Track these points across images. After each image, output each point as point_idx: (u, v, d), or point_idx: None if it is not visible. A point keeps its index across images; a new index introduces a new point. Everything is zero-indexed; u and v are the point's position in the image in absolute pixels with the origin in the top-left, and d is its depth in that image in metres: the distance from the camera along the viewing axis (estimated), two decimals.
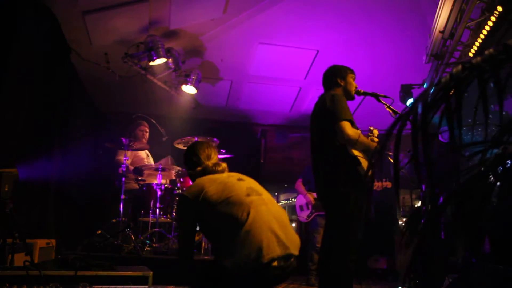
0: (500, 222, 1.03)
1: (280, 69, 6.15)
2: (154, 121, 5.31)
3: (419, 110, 0.94)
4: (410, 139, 0.98)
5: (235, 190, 2.25)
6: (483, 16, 3.56)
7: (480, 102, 0.94)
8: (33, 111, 4.03)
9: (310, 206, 5.28)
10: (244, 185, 2.33)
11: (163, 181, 4.81)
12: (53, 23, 4.42)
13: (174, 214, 4.71)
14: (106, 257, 3.48)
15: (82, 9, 4.47)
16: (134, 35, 4.96)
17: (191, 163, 2.55)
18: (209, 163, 2.49)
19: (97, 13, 4.54)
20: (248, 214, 2.13)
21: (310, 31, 5.29)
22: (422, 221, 1.01)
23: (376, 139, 3.06)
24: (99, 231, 4.48)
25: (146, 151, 5.47)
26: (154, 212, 4.60)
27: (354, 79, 3.18)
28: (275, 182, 9.11)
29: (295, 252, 2.19)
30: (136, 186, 4.91)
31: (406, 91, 5.17)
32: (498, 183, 0.94)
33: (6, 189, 2.85)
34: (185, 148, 5.06)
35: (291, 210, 13.82)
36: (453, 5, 3.62)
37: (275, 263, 2.07)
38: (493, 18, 3.37)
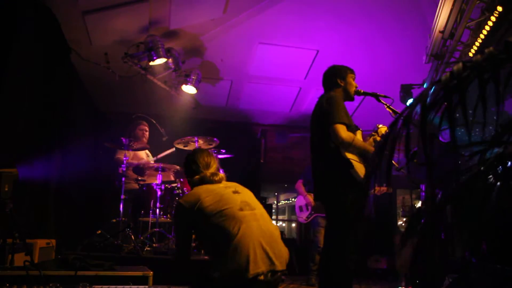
0: (500, 222, 1.03)
1: (280, 69, 6.15)
2: (154, 121, 5.31)
3: (418, 110, 0.94)
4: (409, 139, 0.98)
5: (230, 203, 2.32)
6: (483, 16, 3.56)
7: (480, 102, 0.94)
8: (33, 111, 4.03)
9: (309, 207, 5.28)
10: (239, 198, 2.39)
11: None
12: (53, 23, 4.42)
13: (173, 212, 4.71)
14: (106, 257, 3.47)
15: (82, 9, 4.47)
16: (134, 35, 4.96)
17: (190, 170, 2.62)
18: (208, 172, 2.55)
19: (97, 13, 4.54)
20: (239, 229, 2.21)
21: (310, 31, 5.29)
22: (422, 221, 1.01)
23: (378, 139, 3.06)
24: (99, 231, 4.48)
25: (146, 151, 5.47)
26: (154, 212, 4.60)
27: (354, 79, 3.18)
28: (275, 182, 9.13)
29: (282, 267, 2.26)
30: (136, 186, 4.91)
31: (406, 91, 5.17)
32: (498, 183, 0.94)
33: (6, 189, 2.86)
34: (185, 148, 5.09)
35: (291, 210, 13.84)
36: (453, 5, 3.62)
37: (261, 277, 2.15)
38: (493, 18, 3.37)
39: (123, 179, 4.72)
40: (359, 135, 3.09)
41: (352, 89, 3.14)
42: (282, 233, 7.67)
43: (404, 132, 1.01)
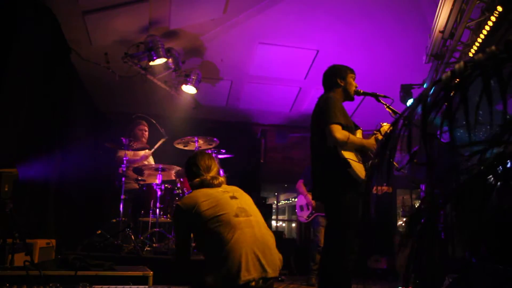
0: (500, 222, 1.03)
1: (280, 69, 6.15)
2: (154, 121, 5.31)
3: (419, 110, 0.94)
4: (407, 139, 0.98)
5: (226, 209, 2.36)
6: (483, 16, 3.56)
7: (480, 102, 0.94)
8: (33, 111, 4.03)
9: (310, 207, 5.28)
10: (235, 204, 2.42)
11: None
12: (53, 23, 4.42)
13: (173, 214, 4.71)
14: (106, 257, 3.47)
15: (82, 9, 4.47)
16: (134, 35, 4.96)
17: (191, 173, 2.65)
18: (208, 176, 2.58)
19: (97, 13, 4.54)
20: (232, 235, 2.25)
21: (310, 31, 5.30)
22: (422, 221, 1.01)
23: (380, 137, 3.07)
24: (99, 231, 4.48)
25: (146, 150, 5.47)
26: (154, 212, 4.59)
27: (354, 79, 3.18)
28: (275, 182, 9.13)
29: (274, 274, 2.32)
30: (136, 186, 4.91)
31: (406, 91, 5.17)
32: (498, 183, 0.94)
33: (6, 189, 2.86)
34: (185, 148, 5.09)
35: (291, 210, 13.84)
36: (453, 5, 3.62)
37: (253, 284, 2.19)
38: (493, 18, 3.37)
39: (123, 179, 4.72)
40: (359, 135, 3.10)
41: (352, 89, 3.14)
42: (282, 233, 7.68)
43: (405, 132, 1.01)
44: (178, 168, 4.88)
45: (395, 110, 3.13)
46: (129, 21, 4.81)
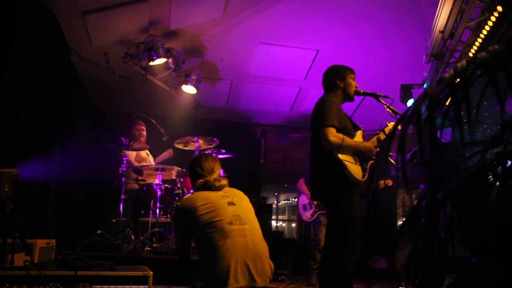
0: (500, 222, 1.03)
1: (280, 69, 6.15)
2: (154, 121, 5.31)
3: (423, 109, 0.94)
4: (410, 139, 0.97)
5: (221, 215, 2.40)
6: (483, 16, 3.56)
7: (481, 102, 0.94)
8: (33, 111, 4.03)
9: (313, 206, 5.28)
10: (231, 211, 2.45)
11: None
12: (53, 23, 4.42)
13: (173, 214, 4.71)
14: (106, 257, 3.47)
15: (82, 9, 4.47)
16: (134, 35, 4.96)
17: (195, 173, 2.69)
18: (211, 177, 2.63)
19: (97, 13, 4.54)
20: (224, 243, 2.30)
21: (310, 31, 5.29)
22: (422, 220, 1.01)
23: (383, 137, 3.08)
24: (99, 231, 4.48)
25: (147, 150, 5.48)
26: (154, 212, 4.59)
27: (354, 79, 3.18)
28: (275, 182, 9.14)
29: (264, 284, 2.36)
30: (136, 186, 4.91)
31: (406, 91, 5.17)
32: (498, 183, 0.94)
33: (6, 189, 2.86)
34: (185, 148, 5.09)
35: (291, 210, 13.84)
36: (453, 5, 3.62)
37: None
38: (493, 18, 3.36)
39: (123, 179, 4.72)
40: (359, 135, 3.10)
41: (352, 90, 3.15)
42: (282, 233, 7.68)
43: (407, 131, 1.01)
44: (178, 168, 4.88)
45: (395, 110, 3.13)
46: (129, 21, 4.81)
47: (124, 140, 4.72)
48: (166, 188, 4.73)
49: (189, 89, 5.62)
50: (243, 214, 2.48)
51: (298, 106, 7.16)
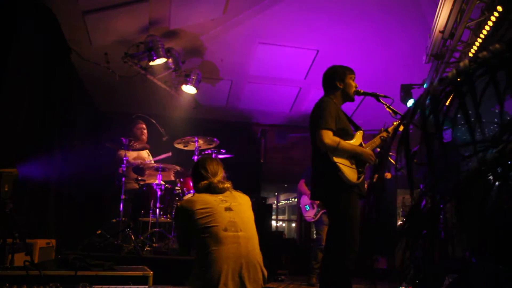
0: (500, 222, 1.03)
1: (280, 69, 6.15)
2: (154, 121, 5.30)
3: (427, 105, 0.94)
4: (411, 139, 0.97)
5: (217, 221, 2.43)
6: (483, 16, 3.56)
7: (480, 103, 0.94)
8: (33, 111, 4.03)
9: (315, 205, 5.28)
10: (227, 217, 2.47)
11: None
12: (53, 23, 4.42)
13: (173, 214, 4.71)
14: (106, 257, 3.47)
15: (82, 9, 4.47)
16: (134, 35, 4.96)
17: (199, 175, 2.71)
18: (215, 179, 2.67)
19: (97, 13, 4.54)
20: (217, 249, 2.34)
21: (310, 31, 5.29)
22: (422, 220, 1.00)
23: (384, 135, 3.09)
24: (99, 231, 4.47)
25: (147, 150, 5.48)
26: (154, 212, 4.59)
27: (353, 79, 3.18)
28: (275, 182, 9.13)
29: None
30: (136, 186, 4.91)
31: (406, 91, 5.17)
32: (497, 183, 0.94)
33: (6, 189, 2.86)
34: (185, 148, 5.09)
35: (291, 210, 13.84)
36: (453, 5, 3.62)
37: None
38: (493, 18, 3.37)
39: (123, 179, 4.72)
40: (359, 136, 3.10)
41: (352, 90, 3.15)
42: (282, 233, 7.68)
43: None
44: (178, 168, 4.88)
45: (395, 110, 3.14)
46: (129, 21, 4.81)
47: (124, 140, 4.72)
48: (166, 188, 4.73)
49: (189, 89, 5.62)
50: (240, 220, 2.50)
51: (298, 106, 7.16)
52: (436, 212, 0.98)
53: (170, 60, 5.10)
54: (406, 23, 4.94)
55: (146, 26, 4.91)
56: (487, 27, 3.47)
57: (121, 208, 4.61)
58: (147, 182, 4.86)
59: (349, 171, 2.84)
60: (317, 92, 6.27)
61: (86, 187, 5.67)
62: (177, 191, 4.81)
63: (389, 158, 2.94)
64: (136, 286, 2.67)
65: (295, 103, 7.10)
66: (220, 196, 2.58)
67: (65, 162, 4.83)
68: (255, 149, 7.81)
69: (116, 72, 5.09)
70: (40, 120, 4.20)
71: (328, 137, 2.85)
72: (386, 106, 3.15)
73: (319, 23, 5.12)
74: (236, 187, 2.77)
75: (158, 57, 4.82)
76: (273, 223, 9.42)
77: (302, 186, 5.48)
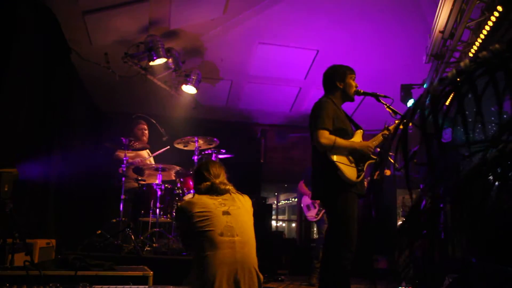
0: (500, 222, 1.03)
1: (280, 69, 6.15)
2: (154, 121, 5.30)
3: (426, 104, 0.94)
4: (410, 139, 0.97)
5: (214, 225, 2.45)
6: (483, 16, 3.56)
7: (480, 101, 0.94)
8: (33, 111, 4.03)
9: (316, 205, 5.28)
10: (224, 221, 2.49)
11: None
12: (53, 23, 4.42)
13: (174, 214, 4.71)
14: (106, 257, 3.47)
15: (82, 9, 4.47)
16: (134, 35, 4.96)
17: (202, 176, 2.74)
18: (217, 180, 2.70)
19: (97, 13, 4.54)
20: (212, 254, 2.37)
21: (310, 31, 5.29)
22: (422, 220, 1.00)
23: (386, 133, 3.10)
24: (99, 231, 4.47)
25: (147, 151, 5.48)
26: (154, 212, 4.59)
27: (354, 79, 3.19)
28: (275, 182, 9.13)
29: None
30: (136, 185, 4.91)
31: (406, 91, 5.17)
32: (497, 183, 0.94)
33: (6, 189, 2.86)
34: (185, 148, 5.09)
35: (291, 210, 13.84)
36: (453, 5, 3.62)
37: None
38: (493, 18, 3.36)
39: (123, 179, 4.72)
40: (359, 135, 3.10)
41: (352, 90, 3.15)
42: (282, 233, 7.68)
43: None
44: (178, 168, 4.87)
45: (395, 110, 3.14)
46: (129, 21, 4.81)
47: (124, 140, 4.72)
48: (166, 188, 4.73)
49: (189, 89, 5.62)
50: (237, 225, 2.51)
51: (298, 106, 7.16)
52: (436, 212, 0.98)
53: (170, 60, 5.10)
54: (406, 23, 4.94)
55: (146, 26, 4.91)
56: (487, 27, 3.47)
57: (121, 208, 4.61)
58: (147, 182, 4.85)
59: (348, 170, 2.84)
60: (317, 92, 6.27)
61: (86, 187, 5.67)
62: (177, 191, 4.81)
63: (389, 157, 2.94)
64: (136, 286, 2.67)
65: (295, 103, 7.10)
66: (219, 199, 2.60)
67: (65, 162, 4.83)
68: (255, 149, 7.81)
69: (116, 72, 5.09)
70: (40, 120, 4.20)
71: (324, 136, 2.87)
72: (386, 106, 3.15)
73: (319, 23, 5.12)
74: (236, 187, 2.78)
75: (158, 57, 4.82)
76: (273, 223, 9.42)
77: (302, 187, 5.48)
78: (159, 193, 4.64)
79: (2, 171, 2.88)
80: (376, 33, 5.23)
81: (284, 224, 13.55)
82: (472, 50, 3.81)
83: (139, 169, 4.92)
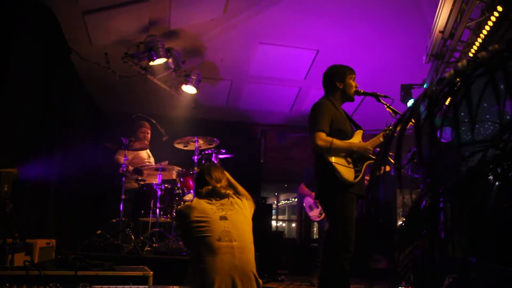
0: (500, 222, 1.03)
1: (280, 69, 6.15)
2: (154, 121, 5.30)
3: (422, 108, 0.94)
4: (410, 139, 0.97)
5: (211, 231, 2.47)
6: (483, 16, 3.55)
7: (480, 102, 0.94)
8: (33, 111, 4.03)
9: (318, 205, 5.29)
10: (221, 226, 2.50)
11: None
12: (53, 23, 4.42)
13: (174, 214, 4.72)
14: (106, 257, 3.47)
15: (82, 9, 4.47)
16: (134, 35, 4.96)
17: (203, 180, 2.77)
18: (218, 184, 2.73)
19: (97, 13, 4.54)
20: (211, 260, 2.38)
21: (310, 31, 5.29)
22: (421, 220, 1.00)
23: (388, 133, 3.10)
24: (99, 231, 4.47)
25: (148, 151, 5.48)
26: (154, 212, 4.59)
27: (354, 79, 3.19)
28: (275, 182, 9.13)
29: None
30: (136, 186, 4.91)
31: (406, 91, 5.17)
32: (497, 183, 0.94)
33: (6, 189, 2.86)
34: (185, 148, 5.09)
35: (291, 210, 13.85)
36: (453, 5, 3.62)
37: None
38: (493, 18, 3.36)
39: (123, 179, 4.72)
40: (358, 135, 3.10)
41: (352, 90, 3.15)
42: (282, 233, 7.68)
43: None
44: (178, 168, 4.87)
45: (395, 110, 3.14)
46: (129, 21, 4.81)
47: (124, 140, 4.72)
48: (166, 188, 4.73)
49: (189, 89, 5.62)
50: (234, 230, 2.51)
51: (298, 106, 7.16)
52: (436, 212, 0.98)
53: (170, 60, 5.10)
54: (406, 23, 4.94)
55: (146, 26, 4.91)
56: (487, 27, 3.47)
57: (121, 208, 4.61)
58: (147, 182, 4.85)
59: (345, 171, 2.86)
60: (317, 92, 6.26)
61: (86, 187, 5.67)
62: (177, 191, 4.81)
63: (389, 157, 2.93)
64: (136, 286, 2.68)
65: (295, 103, 7.10)
66: (217, 204, 2.62)
67: (65, 162, 4.83)
68: (255, 149, 7.81)
69: (116, 72, 5.09)
70: (40, 120, 4.20)
71: (320, 138, 2.88)
72: (386, 106, 3.15)
73: (319, 23, 5.12)
74: None
75: (158, 57, 4.82)
76: (273, 223, 9.42)
77: (303, 189, 5.49)
78: (159, 193, 4.64)
79: (2, 171, 2.89)
80: (376, 33, 5.23)
81: (284, 224, 13.55)
82: (472, 50, 3.81)
83: (139, 169, 4.92)
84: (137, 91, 5.96)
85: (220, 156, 5.05)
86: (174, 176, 5.04)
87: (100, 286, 2.49)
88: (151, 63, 4.95)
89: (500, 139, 0.95)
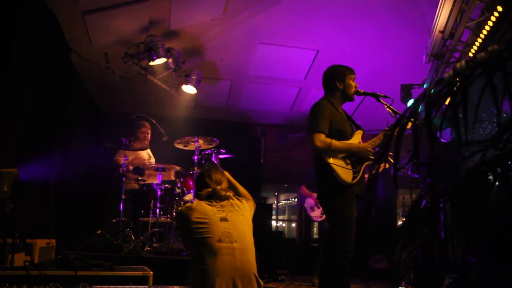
0: (500, 222, 1.03)
1: (280, 69, 6.15)
2: (154, 121, 5.31)
3: (421, 108, 0.94)
4: (410, 139, 0.98)
5: (212, 232, 2.47)
6: (483, 16, 3.55)
7: (480, 102, 0.94)
8: (33, 111, 4.03)
9: (319, 205, 5.29)
10: (222, 228, 2.50)
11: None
12: (53, 23, 4.42)
13: (174, 214, 4.72)
14: (106, 257, 3.47)
15: (82, 9, 4.47)
16: (134, 35, 4.96)
17: (204, 182, 2.78)
18: (218, 186, 2.74)
19: (97, 13, 4.54)
20: (211, 261, 2.38)
21: (310, 31, 5.29)
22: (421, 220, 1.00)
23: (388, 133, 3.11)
24: (99, 231, 4.47)
25: (148, 151, 5.47)
26: (154, 212, 4.59)
27: (354, 79, 3.19)
28: (275, 182, 9.14)
29: None
30: (136, 186, 4.91)
31: (406, 91, 5.16)
32: (497, 183, 0.94)
33: (6, 189, 2.86)
34: (185, 148, 5.09)
35: (291, 210, 13.86)
36: (453, 5, 3.62)
37: None
38: (493, 18, 3.36)
39: (123, 179, 4.72)
40: (358, 135, 3.10)
41: (351, 90, 3.16)
42: (282, 233, 7.68)
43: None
44: (178, 168, 4.87)
45: (395, 110, 3.14)
46: (129, 21, 4.81)
47: (124, 140, 4.72)
48: (166, 188, 4.73)
49: (189, 89, 5.62)
50: (235, 231, 2.51)
51: (298, 106, 7.15)
52: (436, 212, 0.98)
53: (170, 60, 5.10)
54: (406, 23, 4.94)
55: (146, 26, 4.91)
56: (487, 27, 3.47)
57: (121, 208, 4.61)
58: (147, 182, 4.86)
59: (343, 172, 2.86)
60: (317, 92, 6.26)
61: (86, 187, 5.67)
62: (177, 191, 4.81)
63: (389, 157, 2.93)
64: (136, 286, 2.68)
65: (295, 103, 7.10)
66: (218, 205, 2.63)
67: (65, 162, 4.83)
68: (255, 149, 7.81)
69: (116, 72, 5.09)
70: (40, 120, 4.20)
71: (319, 139, 2.89)
72: (386, 106, 3.15)
73: (319, 23, 5.12)
74: None
75: (158, 57, 4.82)
76: (273, 223, 9.43)
77: (304, 190, 5.50)
78: (159, 193, 4.64)
79: (2, 171, 2.89)
80: (376, 33, 5.23)
81: (284, 224, 13.56)
82: (472, 50, 3.80)
83: (139, 169, 4.92)
84: (137, 91, 5.96)
85: (220, 156, 5.05)
86: (173, 177, 5.04)
87: (100, 286, 2.50)
88: (151, 63, 4.95)
89: (500, 139, 0.95)
